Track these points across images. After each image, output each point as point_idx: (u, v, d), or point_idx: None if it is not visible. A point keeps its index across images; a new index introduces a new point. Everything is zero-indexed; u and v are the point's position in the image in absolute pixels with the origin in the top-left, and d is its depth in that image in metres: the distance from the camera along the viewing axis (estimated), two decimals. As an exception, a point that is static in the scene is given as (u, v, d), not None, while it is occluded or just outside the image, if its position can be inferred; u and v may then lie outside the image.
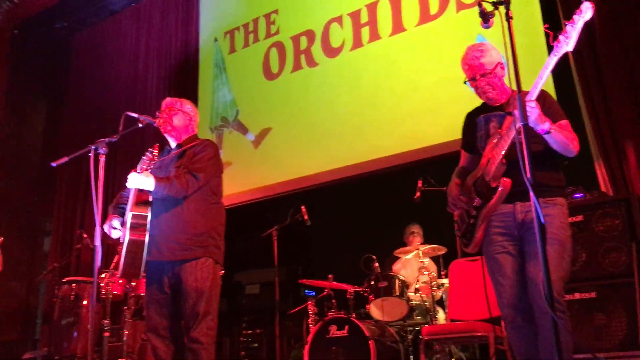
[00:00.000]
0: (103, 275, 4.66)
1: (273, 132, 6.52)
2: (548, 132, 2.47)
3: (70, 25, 8.62)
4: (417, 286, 4.74)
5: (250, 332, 6.10)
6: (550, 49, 2.38)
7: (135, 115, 3.35)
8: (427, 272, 4.67)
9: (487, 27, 2.35)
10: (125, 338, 4.65)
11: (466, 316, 3.96)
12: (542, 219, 1.79)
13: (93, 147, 3.19)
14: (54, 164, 3.31)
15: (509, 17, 2.20)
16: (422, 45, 5.70)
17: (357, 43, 6.13)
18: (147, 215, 3.18)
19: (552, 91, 4.49)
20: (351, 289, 4.81)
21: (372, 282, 4.75)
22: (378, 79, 5.92)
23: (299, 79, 6.48)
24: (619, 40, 4.52)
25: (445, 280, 4.68)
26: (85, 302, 5.14)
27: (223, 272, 3.48)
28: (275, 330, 5.04)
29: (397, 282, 4.68)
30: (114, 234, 3.29)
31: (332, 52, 6.29)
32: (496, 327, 3.63)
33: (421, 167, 5.37)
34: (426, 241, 5.11)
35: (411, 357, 4.51)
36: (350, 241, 5.97)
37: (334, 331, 4.44)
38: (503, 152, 2.57)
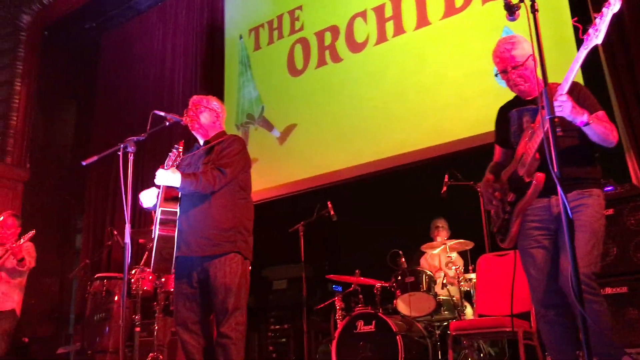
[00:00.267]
0: (133, 272, 4.73)
1: (298, 128, 6.54)
2: (587, 124, 2.45)
3: (98, 26, 8.77)
4: (445, 281, 4.72)
5: (278, 327, 6.15)
6: (578, 41, 2.36)
7: (162, 113, 3.39)
8: (454, 267, 4.65)
9: (513, 20, 2.33)
10: (155, 333, 4.72)
11: (494, 311, 3.93)
12: (570, 214, 1.77)
13: (122, 145, 3.23)
14: (84, 163, 3.37)
15: (534, 9, 2.17)
16: (448, 38, 5.66)
17: (382, 38, 6.11)
18: (176, 211, 3.22)
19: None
20: (378, 284, 4.81)
21: (399, 278, 4.74)
22: (403, 73, 5.89)
23: (323, 75, 6.48)
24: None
25: (472, 275, 4.65)
26: (116, 298, 5.23)
27: (250, 267, 3.51)
28: (303, 326, 5.07)
29: (424, 277, 4.67)
30: (144, 198, 3.34)
31: (356, 47, 6.28)
32: (525, 322, 3.59)
33: (447, 161, 5.34)
34: (453, 236, 5.09)
35: (439, 352, 4.49)
36: (376, 236, 5.96)
37: (361, 326, 4.45)
38: (536, 146, 2.55)
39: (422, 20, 5.85)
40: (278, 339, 6.11)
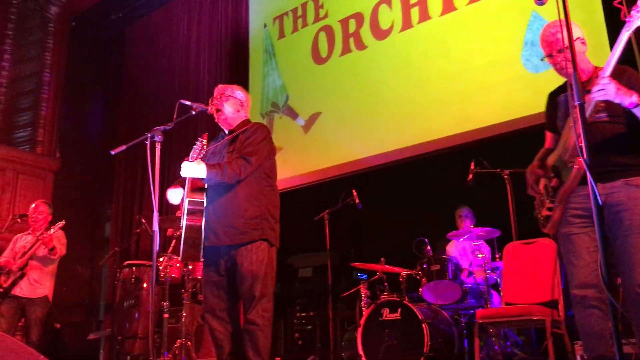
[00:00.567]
0: (161, 259, 4.80)
1: (323, 117, 6.54)
2: (637, 105, 2.40)
3: (124, 16, 8.86)
4: (471, 269, 4.70)
5: (303, 314, 6.19)
6: (610, 25, 2.31)
7: (188, 103, 3.42)
8: (480, 255, 4.62)
9: (541, 4, 2.28)
10: (183, 319, 4.79)
11: (521, 299, 3.90)
12: (599, 201, 1.74)
13: (149, 135, 3.27)
14: (113, 152, 3.42)
15: (563, -6, 2.13)
16: (474, 24, 5.58)
17: (407, 24, 6.06)
18: (203, 201, 3.25)
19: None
20: (403, 272, 4.80)
21: (425, 265, 4.73)
22: (428, 60, 5.83)
23: (348, 63, 6.46)
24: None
25: (499, 263, 4.62)
26: (145, 285, 5.32)
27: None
28: (329, 313, 5.09)
29: (450, 265, 4.65)
30: (171, 195, 3.39)
31: (381, 34, 6.24)
32: (553, 310, 3.56)
33: (473, 149, 5.29)
34: (478, 224, 5.05)
35: (465, 340, 4.48)
36: (401, 224, 5.95)
37: (386, 314, 4.45)
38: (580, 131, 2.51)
39: (448, 6, 5.78)
40: (304, 326, 6.16)
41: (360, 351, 4.42)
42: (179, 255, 3.34)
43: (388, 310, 4.45)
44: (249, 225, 3.27)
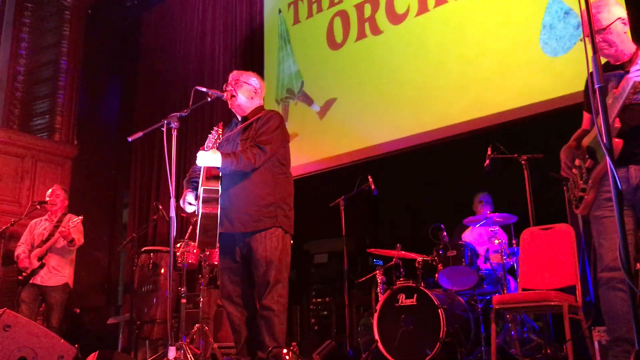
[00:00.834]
0: (178, 245, 4.84)
1: (338, 103, 6.51)
2: None
3: (140, 3, 8.86)
4: (487, 255, 4.67)
5: (319, 300, 6.22)
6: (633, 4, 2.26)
7: (204, 89, 3.43)
8: (497, 241, 4.59)
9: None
10: (201, 305, 4.83)
11: (539, 285, 3.87)
12: (619, 185, 1.72)
13: (166, 121, 3.28)
14: (130, 139, 3.44)
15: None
16: (491, 7, 5.50)
17: (423, 8, 5.99)
18: (218, 189, 3.27)
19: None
20: (419, 258, 4.80)
21: (441, 251, 4.72)
22: (445, 44, 5.77)
23: (363, 48, 6.41)
24: None
25: (516, 249, 4.59)
26: (162, 271, 5.37)
27: (292, 241, 3.55)
28: (345, 299, 5.11)
29: (466, 250, 4.64)
30: (189, 209, 3.41)
31: (396, 18, 6.18)
32: (571, 296, 3.54)
33: (490, 134, 5.25)
34: (496, 209, 5.02)
35: (481, 326, 4.47)
36: (417, 210, 5.93)
37: (402, 300, 4.45)
38: (616, 112, 2.47)
39: (465, -11, 5.70)
40: (320, 312, 6.19)
41: (377, 336, 4.43)
42: (195, 242, 3.36)
43: (404, 295, 4.45)
44: (263, 213, 3.29)
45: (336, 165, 6.44)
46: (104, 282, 8.10)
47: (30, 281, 5.14)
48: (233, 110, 3.58)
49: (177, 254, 4.79)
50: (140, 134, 3.44)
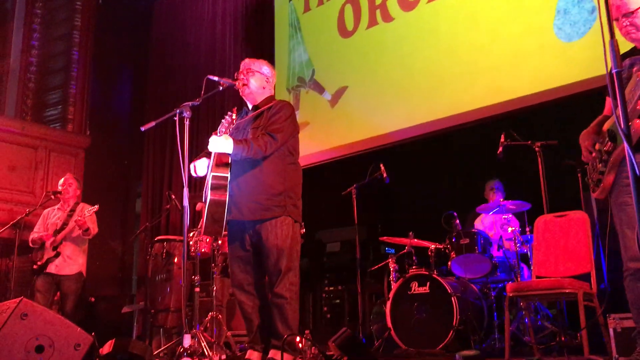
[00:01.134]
0: (191, 234, 4.86)
1: (349, 91, 6.48)
2: None
3: (150, -7, 8.87)
4: (500, 242, 4.66)
5: (332, 288, 6.23)
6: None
7: (215, 78, 3.42)
8: (510, 228, 4.57)
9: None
10: (214, 293, 4.86)
11: (553, 273, 3.85)
12: (637, 171, 1.70)
13: (178, 111, 3.29)
14: (142, 129, 3.45)
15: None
16: (504, -8, 5.44)
17: (435, -6, 5.93)
18: (227, 176, 3.27)
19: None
20: (432, 246, 4.79)
21: (454, 239, 4.70)
22: (456, 31, 5.71)
23: (374, 35, 6.37)
24: None
25: (529, 237, 4.56)
26: (176, 260, 5.39)
27: (304, 230, 3.55)
28: (357, 287, 5.12)
29: (479, 238, 4.62)
30: (199, 171, 3.42)
31: (408, 5, 6.12)
32: (585, 283, 3.52)
33: (503, 121, 5.21)
34: (508, 197, 4.99)
35: (495, 314, 4.47)
36: (430, 198, 5.91)
37: (415, 288, 4.46)
38: (639, 95, 2.44)
39: (477, -25, 5.63)
40: (332, 300, 6.20)
41: (390, 324, 4.44)
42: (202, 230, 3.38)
43: (417, 283, 4.45)
44: (273, 202, 3.30)
45: (348, 153, 6.42)
46: (118, 271, 8.17)
47: (45, 270, 5.19)
48: (244, 98, 3.57)
49: (190, 243, 4.81)
50: (152, 123, 3.45)
